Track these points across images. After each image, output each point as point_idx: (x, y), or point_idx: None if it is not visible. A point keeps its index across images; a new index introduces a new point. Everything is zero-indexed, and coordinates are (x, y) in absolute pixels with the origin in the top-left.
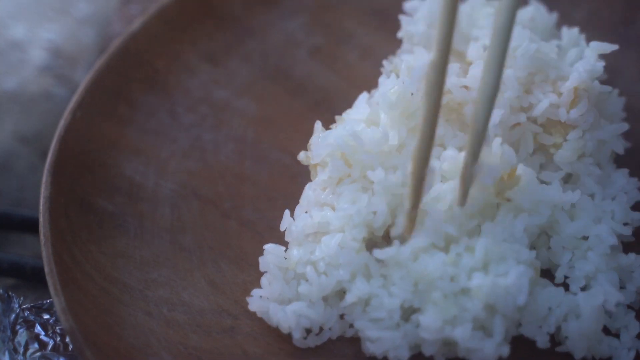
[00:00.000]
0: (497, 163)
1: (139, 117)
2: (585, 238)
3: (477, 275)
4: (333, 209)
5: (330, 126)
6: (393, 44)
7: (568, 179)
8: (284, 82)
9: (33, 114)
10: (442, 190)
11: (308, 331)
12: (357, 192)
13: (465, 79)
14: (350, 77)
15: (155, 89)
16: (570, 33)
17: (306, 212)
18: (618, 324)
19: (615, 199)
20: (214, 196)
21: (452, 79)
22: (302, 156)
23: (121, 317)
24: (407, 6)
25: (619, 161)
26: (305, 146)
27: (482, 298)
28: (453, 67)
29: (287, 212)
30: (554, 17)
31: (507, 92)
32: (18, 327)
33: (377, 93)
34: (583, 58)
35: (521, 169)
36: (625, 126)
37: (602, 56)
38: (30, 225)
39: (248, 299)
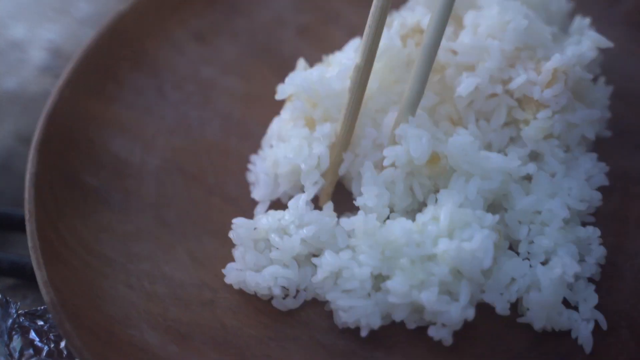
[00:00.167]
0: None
1: (126, 95)
2: (539, 212)
3: (443, 241)
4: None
5: (315, 64)
6: None
7: (535, 157)
8: (271, 60)
9: (33, 114)
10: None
11: (285, 296)
12: (304, 139)
13: (454, 44)
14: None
15: (143, 67)
16: (581, 21)
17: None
18: (578, 297)
19: (575, 178)
20: (198, 172)
21: (442, 42)
22: (278, 88)
23: (102, 289)
24: None
25: (599, 148)
26: None
27: (449, 262)
28: (446, 30)
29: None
30: (569, 5)
31: (489, 62)
32: (13, 332)
33: None
34: (578, 44)
35: (458, 143)
36: (597, 113)
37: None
38: None
39: (224, 271)
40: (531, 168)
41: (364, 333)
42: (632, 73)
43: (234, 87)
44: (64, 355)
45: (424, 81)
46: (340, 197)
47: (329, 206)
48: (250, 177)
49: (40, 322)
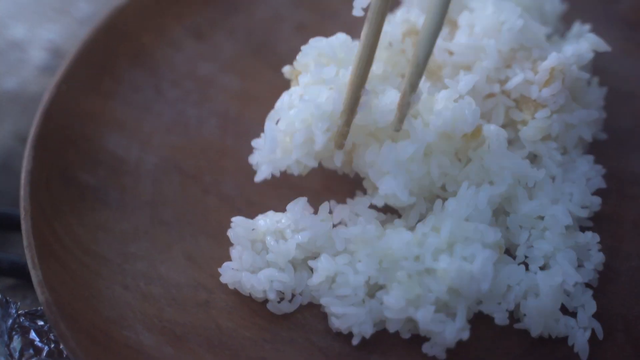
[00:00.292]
0: (462, 117)
1: (123, 92)
2: (542, 218)
3: (443, 258)
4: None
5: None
6: None
7: (533, 160)
8: (269, 57)
9: (33, 114)
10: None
11: (280, 300)
12: (324, 82)
13: (450, 44)
14: None
15: (140, 63)
16: (580, 27)
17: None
18: (576, 303)
19: (576, 183)
20: (195, 171)
21: (438, 41)
22: (286, 69)
23: (98, 290)
24: None
25: (595, 150)
26: None
27: (447, 282)
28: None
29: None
30: (562, 6)
31: (485, 62)
32: (13, 333)
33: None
34: (577, 44)
35: (493, 131)
36: (594, 113)
37: None
38: None
39: (220, 270)
40: (540, 174)
41: (355, 341)
42: (628, 73)
43: (232, 84)
44: (64, 356)
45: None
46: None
47: (324, 208)
48: (254, 158)
49: (41, 322)
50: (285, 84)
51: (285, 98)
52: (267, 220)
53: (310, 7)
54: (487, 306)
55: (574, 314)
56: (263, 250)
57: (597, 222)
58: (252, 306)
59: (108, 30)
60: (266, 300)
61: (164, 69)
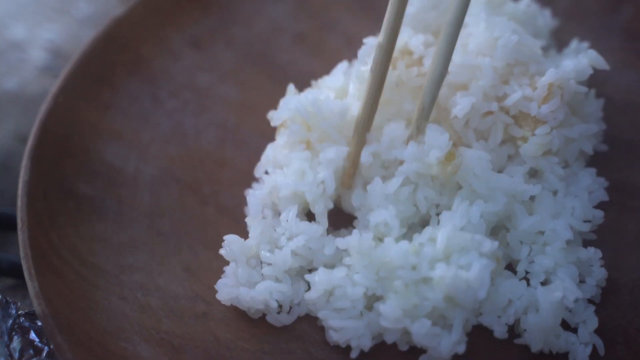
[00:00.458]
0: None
1: (121, 102)
2: (542, 233)
3: (440, 266)
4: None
5: (305, 90)
6: (378, 31)
7: (535, 174)
8: (268, 68)
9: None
10: None
11: (279, 312)
12: (305, 161)
13: None
14: (334, 63)
15: (138, 73)
16: (578, 44)
17: (265, 173)
18: (577, 319)
19: (578, 196)
20: (193, 182)
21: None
22: (270, 115)
23: (95, 301)
24: None
25: (596, 162)
26: None
27: (444, 289)
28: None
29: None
30: (554, 21)
31: (482, 81)
32: (13, 333)
33: (355, 64)
34: (576, 59)
35: (473, 155)
36: (594, 127)
37: None
38: None
39: (216, 287)
40: (536, 189)
41: (354, 354)
42: (629, 84)
43: (230, 95)
44: None
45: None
46: (336, 212)
47: (318, 216)
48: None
49: (40, 323)
50: (283, 95)
51: (269, 152)
52: (259, 234)
53: (309, 18)
54: (486, 318)
55: (575, 330)
56: (258, 266)
57: (598, 234)
58: (250, 318)
59: (106, 41)
60: (264, 315)
61: (162, 79)
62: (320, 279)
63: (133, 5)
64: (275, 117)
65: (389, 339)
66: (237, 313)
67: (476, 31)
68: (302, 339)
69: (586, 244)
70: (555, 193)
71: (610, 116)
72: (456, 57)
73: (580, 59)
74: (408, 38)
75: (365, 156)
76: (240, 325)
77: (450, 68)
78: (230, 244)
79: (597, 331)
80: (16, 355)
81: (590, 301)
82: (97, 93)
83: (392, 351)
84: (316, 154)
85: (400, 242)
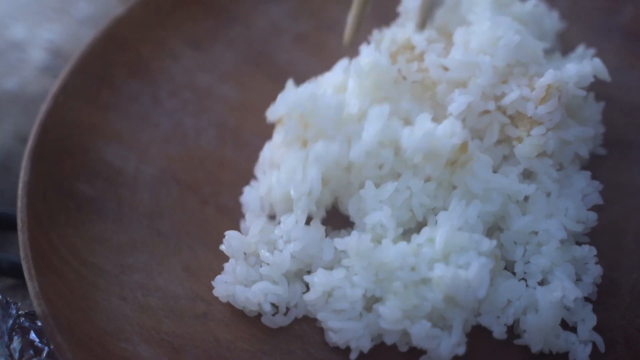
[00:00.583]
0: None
1: (121, 102)
2: (536, 233)
3: (439, 266)
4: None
5: (306, 81)
6: (378, 31)
7: (529, 176)
8: (267, 68)
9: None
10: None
11: (275, 313)
12: (299, 161)
13: (445, 60)
14: (334, 63)
15: (138, 74)
16: (584, 50)
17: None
18: (575, 317)
19: (571, 198)
20: (193, 182)
21: (433, 58)
22: (269, 112)
23: (95, 301)
24: None
25: (596, 162)
26: None
27: (443, 289)
28: (437, 46)
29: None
30: (561, 24)
31: (480, 79)
32: (13, 333)
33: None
34: (579, 64)
35: (475, 152)
36: (591, 131)
37: None
38: None
39: (213, 284)
40: (531, 189)
41: (353, 356)
42: (629, 84)
43: (230, 95)
44: None
45: None
46: (336, 212)
47: (316, 220)
48: (245, 209)
49: (40, 323)
50: None
51: (267, 152)
52: (259, 232)
53: (309, 18)
54: (485, 319)
55: (574, 329)
56: (256, 264)
57: (598, 234)
58: (250, 318)
59: (106, 41)
60: (260, 314)
61: (162, 80)
62: (319, 280)
63: (133, 6)
64: (272, 111)
65: (389, 340)
66: (238, 313)
67: (479, 29)
68: (302, 339)
69: (581, 244)
70: (548, 195)
71: (612, 117)
72: (456, 54)
73: (584, 65)
74: (411, 32)
75: (358, 155)
76: (240, 325)
77: (450, 64)
78: (231, 239)
79: (597, 331)
80: (16, 355)
81: (587, 299)
82: (97, 93)
83: (391, 352)
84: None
85: (399, 243)
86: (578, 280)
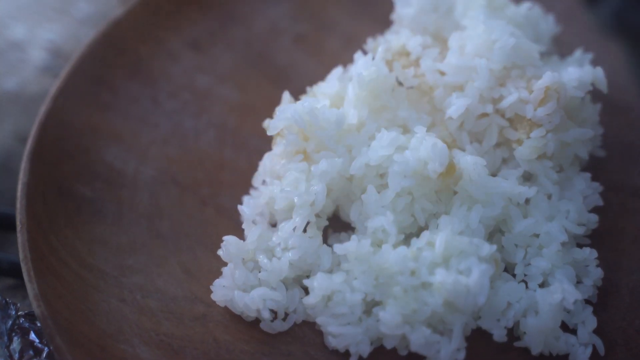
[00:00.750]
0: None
1: (120, 103)
2: (537, 235)
3: (440, 271)
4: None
5: (300, 97)
6: (377, 32)
7: (529, 178)
8: (267, 69)
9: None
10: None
11: (273, 319)
12: (302, 172)
13: (441, 64)
14: (334, 65)
15: (137, 75)
16: (582, 55)
17: (263, 182)
18: (576, 320)
19: (572, 200)
20: (192, 183)
21: (429, 63)
22: (266, 124)
23: (95, 303)
24: None
25: (595, 163)
26: None
27: (444, 295)
28: (432, 51)
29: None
30: (557, 27)
31: (477, 82)
32: (13, 334)
33: (352, 69)
34: (581, 71)
35: (469, 161)
36: (590, 132)
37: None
38: None
39: (212, 288)
40: (532, 191)
41: None
42: (627, 85)
43: (229, 96)
44: None
45: None
46: (336, 217)
47: (312, 225)
48: (244, 218)
49: (40, 324)
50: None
51: (267, 162)
52: (257, 238)
53: (309, 19)
54: (485, 322)
55: (574, 331)
56: (255, 269)
57: (597, 235)
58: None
59: (105, 42)
60: (258, 319)
61: (162, 81)
62: (318, 284)
63: (132, 6)
64: (271, 126)
65: (388, 344)
66: (237, 315)
67: (474, 33)
68: (301, 341)
69: (582, 246)
70: (549, 197)
71: (611, 118)
72: (452, 59)
73: (586, 71)
74: (406, 39)
75: (358, 168)
76: (240, 327)
77: (446, 69)
78: (229, 245)
79: (597, 333)
80: (16, 356)
81: (587, 302)
82: (97, 94)
83: (391, 356)
84: (313, 164)
85: (399, 248)
86: (578, 282)
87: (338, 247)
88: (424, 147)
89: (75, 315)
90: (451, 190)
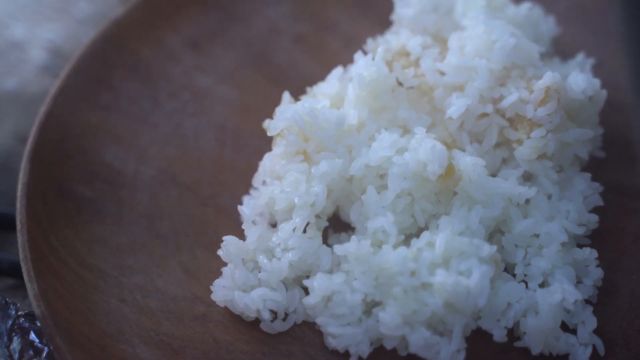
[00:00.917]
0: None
1: (120, 104)
2: (537, 236)
3: (440, 272)
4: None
5: (299, 97)
6: (377, 32)
7: (529, 178)
8: (267, 69)
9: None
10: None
11: (273, 319)
12: (302, 173)
13: (441, 64)
14: (334, 65)
15: (137, 75)
16: (584, 59)
17: (263, 183)
18: (576, 320)
19: (572, 200)
20: (192, 183)
21: (429, 63)
22: (266, 124)
23: (95, 303)
24: None
25: (595, 163)
26: None
27: (444, 296)
28: (432, 51)
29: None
30: (557, 29)
31: (478, 82)
32: (13, 334)
33: (352, 69)
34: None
35: (469, 162)
36: (590, 132)
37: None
38: None
39: (212, 288)
40: (532, 192)
41: None
42: (628, 85)
43: (229, 96)
44: None
45: None
46: (337, 217)
47: (312, 225)
48: (244, 218)
49: (40, 324)
50: (283, 96)
51: (267, 162)
52: (257, 238)
53: (309, 19)
54: (485, 322)
55: (574, 331)
56: (255, 269)
57: (597, 235)
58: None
59: (105, 42)
60: (258, 319)
61: (161, 81)
62: (318, 284)
63: (132, 7)
64: (271, 126)
65: (388, 345)
66: (237, 315)
67: (474, 33)
68: (302, 341)
69: (582, 246)
70: (549, 197)
71: (611, 118)
72: (452, 59)
73: (591, 81)
74: (406, 39)
75: (358, 168)
76: (240, 327)
77: (446, 69)
78: (229, 245)
79: (597, 333)
80: (16, 356)
81: (587, 302)
82: (96, 94)
83: (391, 356)
84: (314, 165)
85: (399, 248)
86: (579, 282)
87: (338, 248)
88: (422, 149)
89: (75, 315)
90: (451, 192)
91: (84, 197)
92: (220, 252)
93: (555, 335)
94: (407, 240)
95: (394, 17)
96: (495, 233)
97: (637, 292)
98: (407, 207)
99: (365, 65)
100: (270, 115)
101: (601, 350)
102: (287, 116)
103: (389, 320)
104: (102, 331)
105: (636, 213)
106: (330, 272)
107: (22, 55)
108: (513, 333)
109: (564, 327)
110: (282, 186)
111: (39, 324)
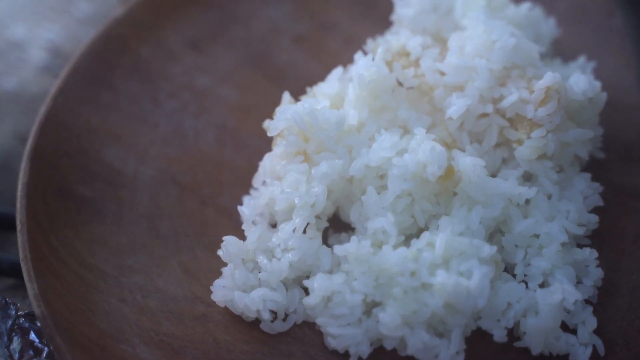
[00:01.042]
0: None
1: (120, 104)
2: (537, 236)
3: (440, 273)
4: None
5: (300, 97)
6: (377, 32)
7: (529, 178)
8: (267, 69)
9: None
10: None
11: (273, 319)
12: (302, 174)
13: (441, 64)
14: (334, 65)
15: (137, 75)
16: (585, 62)
17: (263, 183)
18: (576, 320)
19: (572, 200)
20: (192, 183)
21: (429, 63)
22: (266, 124)
23: (95, 303)
24: None
25: (595, 164)
26: None
27: (444, 296)
28: (432, 51)
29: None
30: (557, 30)
31: (478, 82)
32: (13, 334)
33: (352, 69)
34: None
35: (468, 163)
36: (590, 133)
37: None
38: None
39: (212, 288)
40: (532, 192)
41: None
42: (627, 85)
43: (229, 96)
44: None
45: None
46: (337, 217)
47: (312, 226)
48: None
49: (40, 324)
50: (282, 96)
51: (267, 163)
52: (257, 239)
53: (309, 19)
54: (485, 322)
55: (574, 331)
56: (255, 269)
57: (597, 235)
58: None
59: (105, 42)
60: (258, 319)
61: (161, 81)
62: (318, 285)
63: (132, 6)
64: (271, 126)
65: (388, 345)
66: (236, 315)
67: (474, 33)
68: (302, 341)
69: (582, 246)
70: (549, 197)
71: (612, 118)
72: (452, 59)
73: (592, 83)
74: (406, 39)
75: (358, 169)
76: (240, 327)
77: (446, 69)
78: (229, 245)
79: (597, 333)
80: (16, 356)
81: (587, 302)
82: (96, 94)
83: (391, 356)
84: (314, 165)
85: (399, 249)
86: (579, 282)
87: (338, 248)
88: (422, 150)
89: (75, 315)
90: (451, 193)
91: (84, 197)
92: (220, 252)
93: (555, 336)
94: (407, 241)
95: (394, 17)
96: (495, 233)
97: (637, 292)
98: (407, 207)
99: (365, 66)
100: (270, 115)
101: (601, 350)
102: (287, 116)
103: (389, 320)
104: (102, 331)
105: (636, 213)
106: (330, 272)
107: (22, 55)
108: (513, 333)
109: (564, 327)
110: (282, 186)
111: (39, 324)
